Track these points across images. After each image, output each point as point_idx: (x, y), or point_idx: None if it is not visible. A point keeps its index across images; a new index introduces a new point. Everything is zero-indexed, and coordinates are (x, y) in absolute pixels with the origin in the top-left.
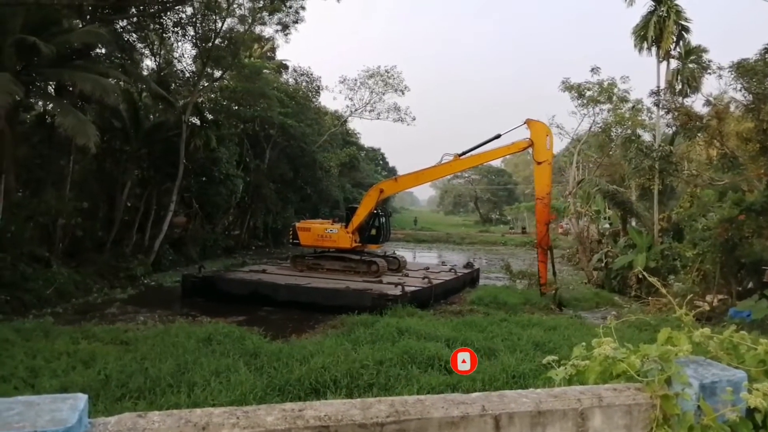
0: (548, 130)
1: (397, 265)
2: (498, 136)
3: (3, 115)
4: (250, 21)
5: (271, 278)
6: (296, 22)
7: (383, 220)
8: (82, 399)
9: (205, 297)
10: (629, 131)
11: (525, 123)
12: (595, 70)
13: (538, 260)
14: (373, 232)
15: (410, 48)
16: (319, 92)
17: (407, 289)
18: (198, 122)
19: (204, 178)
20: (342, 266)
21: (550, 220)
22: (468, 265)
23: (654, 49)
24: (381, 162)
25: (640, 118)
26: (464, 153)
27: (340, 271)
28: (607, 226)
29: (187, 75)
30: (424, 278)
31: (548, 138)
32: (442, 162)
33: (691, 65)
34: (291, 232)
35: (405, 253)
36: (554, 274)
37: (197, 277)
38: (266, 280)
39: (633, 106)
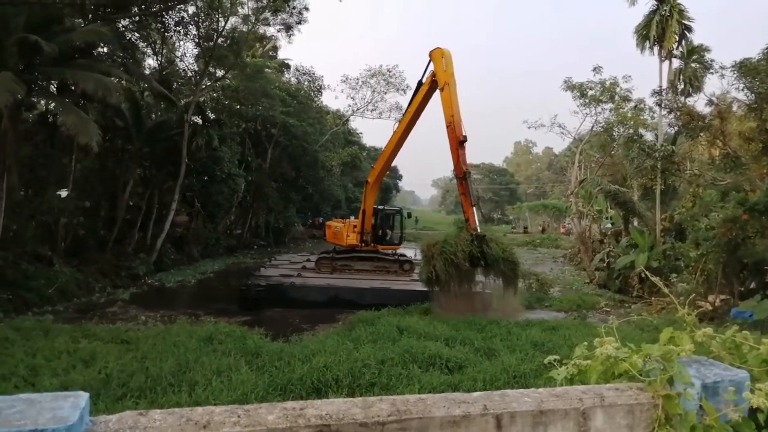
0: (443, 51)
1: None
2: (421, 83)
3: (5, 114)
4: (253, 21)
5: (353, 283)
6: (299, 22)
7: (392, 220)
8: (83, 397)
9: (272, 305)
10: (631, 131)
11: (429, 57)
12: (597, 69)
13: (460, 193)
14: (379, 232)
15: (423, 46)
16: (321, 91)
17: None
18: (200, 121)
19: (206, 177)
20: (373, 266)
21: (462, 140)
22: None
23: (656, 49)
24: None
25: (642, 118)
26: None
27: (370, 271)
28: (609, 225)
29: (189, 74)
30: None
31: (443, 60)
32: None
33: (693, 65)
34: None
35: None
36: (477, 205)
37: (262, 287)
38: (347, 285)
39: (635, 106)
